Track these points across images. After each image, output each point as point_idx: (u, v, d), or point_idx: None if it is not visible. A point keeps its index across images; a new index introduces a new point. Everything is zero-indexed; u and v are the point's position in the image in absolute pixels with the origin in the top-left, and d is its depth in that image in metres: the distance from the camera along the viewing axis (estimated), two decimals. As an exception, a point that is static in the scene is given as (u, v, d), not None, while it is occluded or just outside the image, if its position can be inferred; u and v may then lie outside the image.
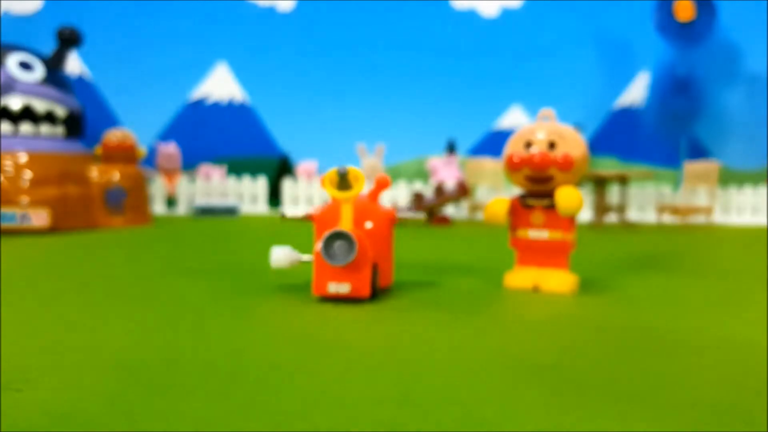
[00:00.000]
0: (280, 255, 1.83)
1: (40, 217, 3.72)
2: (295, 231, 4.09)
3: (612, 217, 5.42)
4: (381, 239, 1.84)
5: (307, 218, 1.90)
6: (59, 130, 4.19)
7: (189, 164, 6.47)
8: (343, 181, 1.69)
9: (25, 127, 4.02)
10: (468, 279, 2.14)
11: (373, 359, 1.14)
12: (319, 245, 1.69)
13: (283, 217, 2.00)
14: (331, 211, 1.79)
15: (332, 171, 1.71)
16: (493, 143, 6.63)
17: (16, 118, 3.99)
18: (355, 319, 1.53)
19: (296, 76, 6.93)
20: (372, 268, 1.73)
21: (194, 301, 1.72)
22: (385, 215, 1.88)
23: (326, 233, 1.67)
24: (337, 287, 1.70)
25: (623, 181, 5.08)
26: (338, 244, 1.67)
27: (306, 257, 1.84)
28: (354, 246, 1.65)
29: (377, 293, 1.79)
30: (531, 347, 1.25)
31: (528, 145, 1.87)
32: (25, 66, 4.09)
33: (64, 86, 4.35)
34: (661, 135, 6.27)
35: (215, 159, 6.73)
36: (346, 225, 1.70)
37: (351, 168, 1.70)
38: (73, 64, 6.45)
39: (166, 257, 2.70)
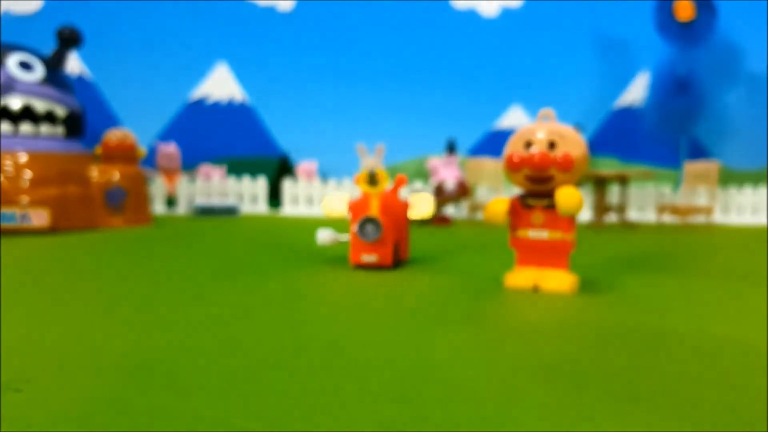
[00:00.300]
0: (325, 235, 2.42)
1: (40, 217, 3.73)
2: (296, 229, 4.09)
3: (612, 217, 5.42)
4: (400, 223, 2.44)
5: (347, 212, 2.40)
6: (59, 130, 4.19)
7: (189, 164, 6.47)
8: (372, 180, 2.32)
9: (25, 127, 4.02)
10: (468, 279, 2.15)
11: (373, 359, 1.14)
12: (355, 227, 2.28)
13: (329, 213, 2.46)
14: (363, 202, 2.37)
15: (364, 171, 2.33)
16: (493, 143, 6.64)
17: (16, 118, 3.99)
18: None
19: (296, 76, 6.93)
20: (393, 245, 2.33)
21: (198, 294, 1.72)
22: (403, 206, 2.47)
23: (360, 218, 2.27)
24: (368, 258, 2.31)
25: (623, 181, 5.08)
26: (369, 226, 2.27)
27: (344, 237, 2.43)
28: (380, 228, 2.26)
29: (397, 263, 2.42)
30: (531, 347, 1.25)
31: (528, 145, 1.87)
32: (25, 66, 4.09)
33: (64, 86, 4.34)
34: (661, 135, 6.26)
35: (215, 159, 6.73)
36: (374, 212, 2.31)
37: (378, 169, 2.32)
38: (73, 64, 6.46)
39: (166, 256, 2.70)
